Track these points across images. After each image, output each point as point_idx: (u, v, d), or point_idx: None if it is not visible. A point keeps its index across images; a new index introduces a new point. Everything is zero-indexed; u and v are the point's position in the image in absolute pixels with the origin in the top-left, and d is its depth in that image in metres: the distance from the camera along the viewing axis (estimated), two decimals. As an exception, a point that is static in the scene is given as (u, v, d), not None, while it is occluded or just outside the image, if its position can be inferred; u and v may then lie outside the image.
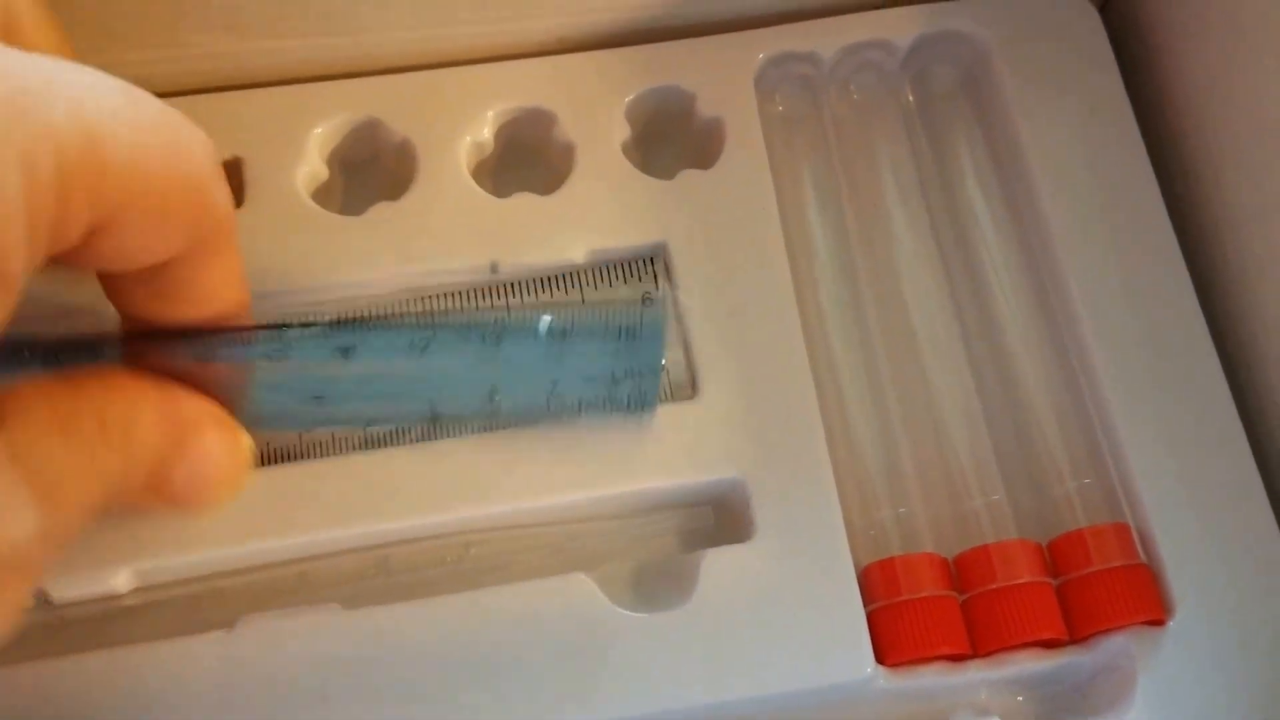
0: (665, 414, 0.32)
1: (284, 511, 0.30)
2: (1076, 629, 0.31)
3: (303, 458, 0.31)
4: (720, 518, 0.32)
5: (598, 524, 0.32)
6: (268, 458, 0.31)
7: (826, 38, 0.36)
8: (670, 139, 0.37)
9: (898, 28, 0.37)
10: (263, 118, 0.34)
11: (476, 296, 0.33)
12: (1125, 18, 0.38)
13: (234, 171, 0.34)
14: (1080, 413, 0.33)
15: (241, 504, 0.30)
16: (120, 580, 0.30)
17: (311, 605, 0.30)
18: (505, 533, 0.31)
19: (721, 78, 0.36)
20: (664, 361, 0.32)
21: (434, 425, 0.31)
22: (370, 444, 0.31)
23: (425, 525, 0.31)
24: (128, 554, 0.30)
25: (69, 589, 0.30)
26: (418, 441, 0.31)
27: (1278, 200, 0.33)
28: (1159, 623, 0.31)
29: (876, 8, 0.37)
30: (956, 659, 0.31)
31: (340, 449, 0.31)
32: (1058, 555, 0.32)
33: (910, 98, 0.37)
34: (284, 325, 0.27)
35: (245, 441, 0.27)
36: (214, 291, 0.26)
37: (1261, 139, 0.33)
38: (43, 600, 0.30)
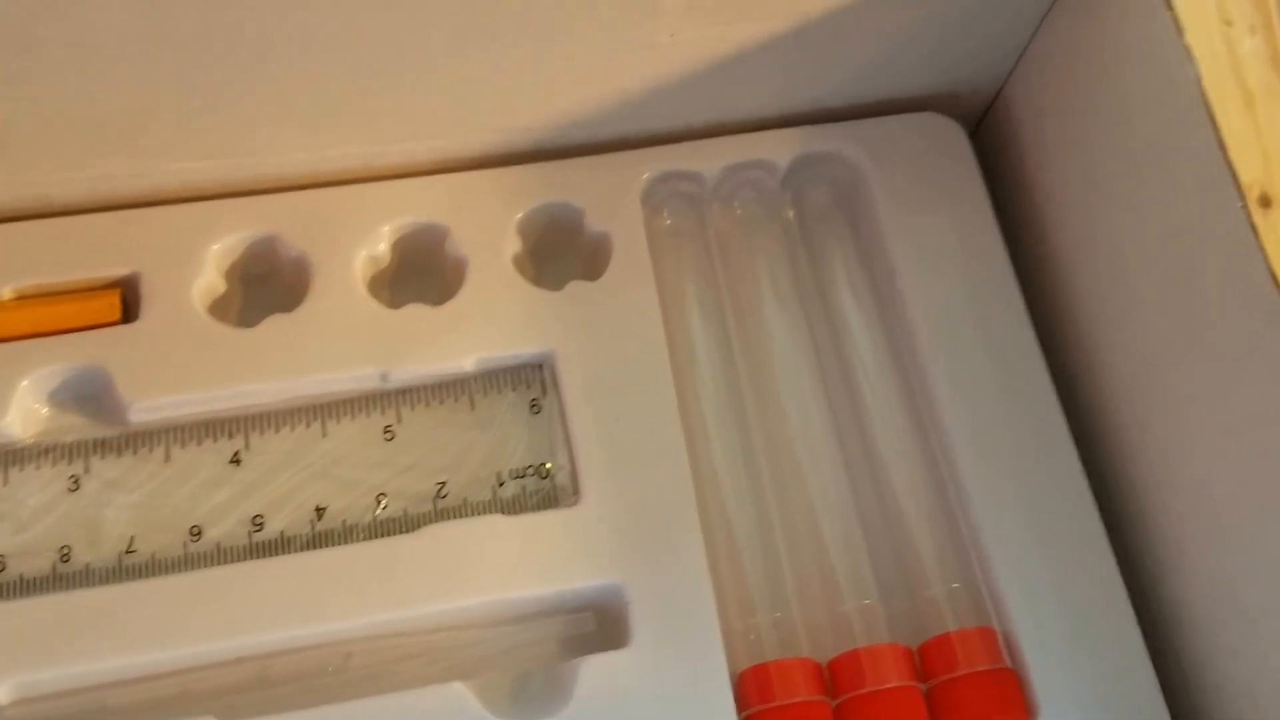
0: (547, 519, 0.32)
1: (164, 623, 0.30)
2: (944, 732, 0.31)
3: (182, 570, 0.31)
4: (601, 623, 0.32)
5: (479, 631, 0.31)
6: (149, 569, 0.31)
7: (710, 157, 0.37)
8: (560, 252, 0.37)
9: (777, 148, 0.37)
10: (161, 234, 0.34)
11: (367, 406, 0.33)
12: (994, 139, 0.39)
13: (131, 286, 0.34)
14: (949, 519, 0.33)
15: (123, 616, 0.30)
16: (0, 693, 0.29)
17: (189, 718, 0.29)
18: (386, 641, 0.31)
19: (609, 194, 0.36)
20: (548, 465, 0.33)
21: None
22: (252, 554, 0.31)
23: (307, 635, 0.30)
24: (7, 666, 0.29)
25: (-53, 702, 0.29)
26: (300, 550, 0.31)
27: (1129, 310, 0.33)
28: (1023, 726, 0.30)
29: (757, 130, 0.37)
30: (829, 762, 0.30)
31: (222, 559, 0.31)
32: (927, 659, 0.32)
33: (790, 214, 0.38)
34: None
35: None
36: None
37: (1117, 252, 0.33)
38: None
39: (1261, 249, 0.28)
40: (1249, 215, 0.28)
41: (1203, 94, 0.29)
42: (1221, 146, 0.28)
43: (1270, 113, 0.46)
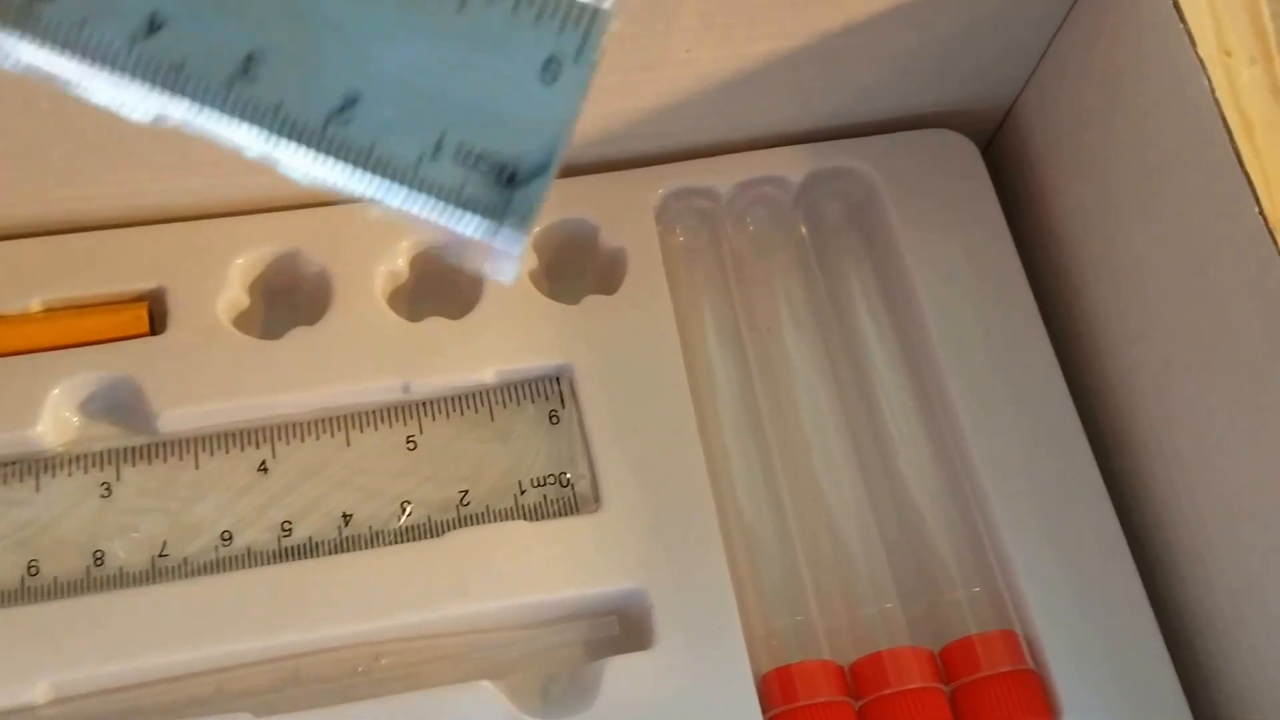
0: (570, 525, 0.32)
1: (197, 624, 0.30)
2: (968, 732, 0.30)
3: (214, 572, 0.31)
4: (624, 626, 0.32)
5: (504, 634, 0.31)
6: (181, 572, 0.31)
7: (723, 174, 0.37)
8: (576, 267, 0.37)
9: (790, 165, 0.37)
10: (187, 249, 0.35)
11: (390, 417, 0.33)
12: (1007, 155, 0.40)
13: (158, 300, 0.34)
14: (969, 524, 0.33)
15: (157, 617, 0.30)
16: (38, 691, 0.29)
17: (222, 715, 0.29)
18: (415, 642, 0.31)
19: (624, 211, 0.36)
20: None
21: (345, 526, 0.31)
22: (282, 557, 0.31)
23: (336, 636, 0.30)
24: (43, 666, 0.29)
25: (-14, 701, 0.29)
26: (330, 554, 0.31)
27: (1147, 321, 0.34)
28: (1046, 725, 0.30)
29: (770, 146, 0.38)
30: (852, 762, 0.30)
31: (253, 562, 0.31)
32: (949, 661, 0.31)
33: (803, 229, 0.38)
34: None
35: None
36: None
37: (1134, 264, 0.34)
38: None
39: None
40: (1267, 223, 0.28)
41: (1217, 104, 0.29)
42: (1237, 155, 0.29)
43: (1270, 141, 0.47)
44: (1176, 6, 0.30)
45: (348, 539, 0.32)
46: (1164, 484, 0.33)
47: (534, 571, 0.31)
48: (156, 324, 0.34)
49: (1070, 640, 0.31)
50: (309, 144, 0.20)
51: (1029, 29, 0.36)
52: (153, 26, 0.19)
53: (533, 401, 0.34)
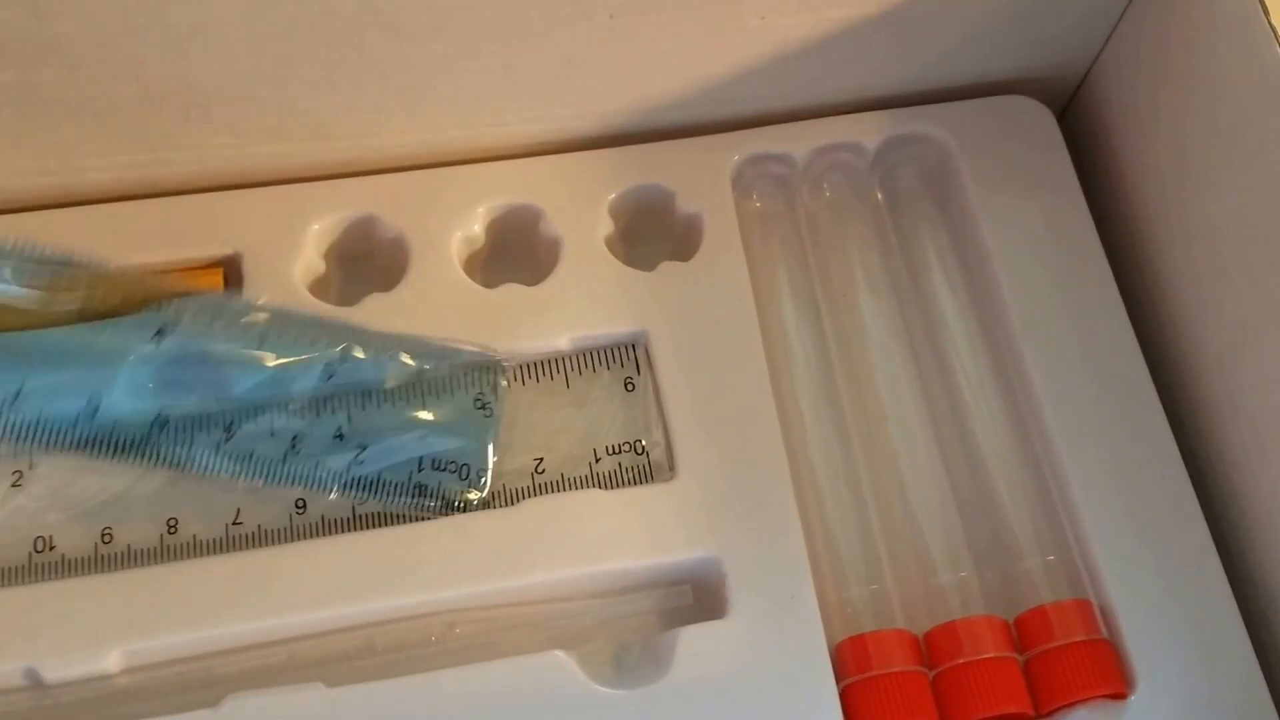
0: (645, 494, 0.32)
1: (273, 592, 0.30)
2: (1042, 703, 0.30)
3: (289, 540, 0.31)
4: (698, 595, 0.32)
5: (579, 603, 0.31)
6: (256, 540, 0.31)
7: (799, 139, 0.37)
8: (652, 233, 0.37)
9: (866, 131, 0.37)
10: (263, 215, 0.35)
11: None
12: (1082, 121, 0.39)
13: (233, 265, 0.34)
14: (1043, 493, 0.33)
15: (231, 584, 0.30)
16: (111, 660, 0.29)
17: (296, 684, 0.29)
18: (489, 611, 0.31)
19: (700, 176, 0.36)
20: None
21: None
22: (358, 525, 0.31)
23: (410, 605, 0.30)
24: (119, 634, 0.30)
25: (60, 669, 0.29)
26: (402, 523, 0.31)
27: (1222, 287, 0.33)
28: (1121, 696, 0.30)
29: (845, 113, 0.37)
30: (927, 732, 0.30)
31: (327, 530, 0.31)
32: (1023, 630, 0.31)
33: (879, 195, 0.38)
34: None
35: None
36: None
37: (1209, 230, 0.33)
38: (35, 681, 0.29)
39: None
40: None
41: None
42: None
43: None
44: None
45: (424, 506, 0.32)
46: (1239, 452, 0.33)
47: (608, 540, 0.31)
48: (234, 290, 0.34)
49: (1145, 610, 0.31)
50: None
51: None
52: None
53: (608, 368, 0.34)
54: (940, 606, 0.32)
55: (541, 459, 0.33)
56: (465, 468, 0.32)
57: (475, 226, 0.36)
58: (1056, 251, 0.36)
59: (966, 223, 0.36)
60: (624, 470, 0.33)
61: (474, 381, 0.33)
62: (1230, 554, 0.32)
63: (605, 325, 0.34)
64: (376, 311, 0.34)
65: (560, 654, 0.30)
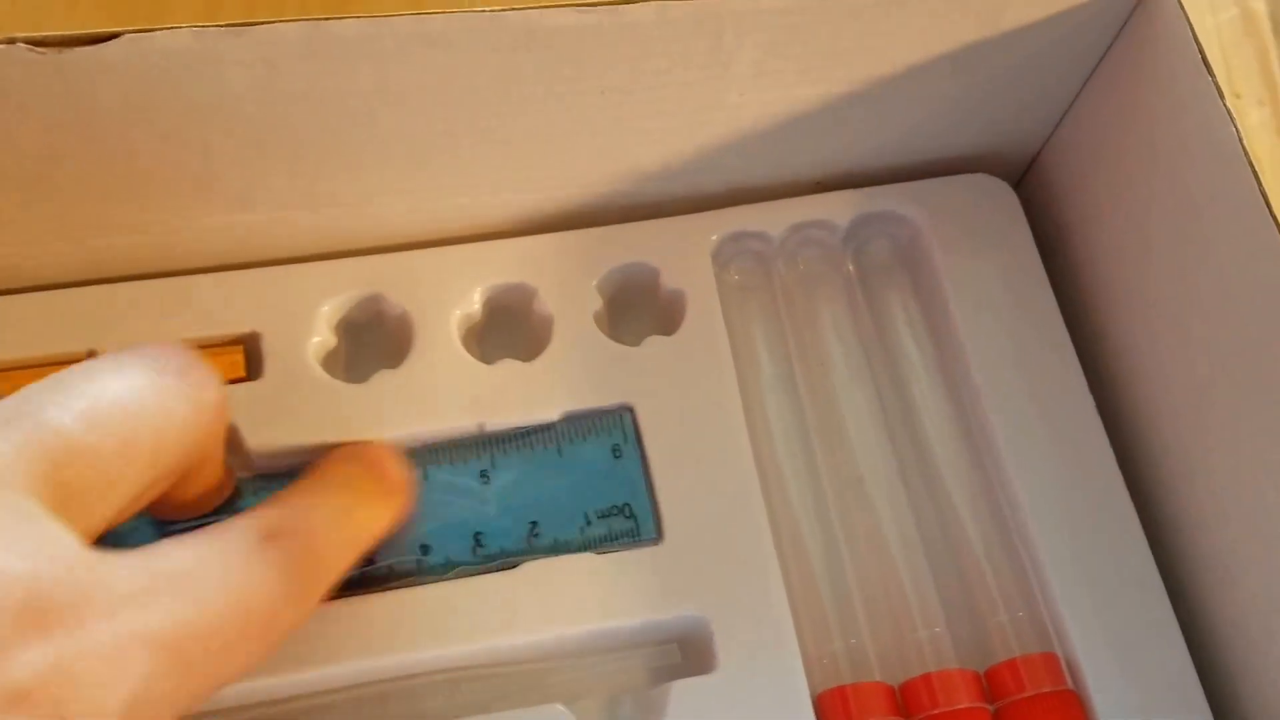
0: (634, 556, 0.33)
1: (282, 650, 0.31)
2: (1012, 751, 0.31)
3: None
4: (686, 652, 0.33)
5: (573, 661, 0.32)
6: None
7: (776, 218, 0.38)
8: (638, 309, 0.38)
9: (838, 209, 0.38)
10: (278, 294, 0.35)
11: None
12: (1040, 191, 0.40)
13: (254, 344, 0.35)
14: (1011, 550, 0.34)
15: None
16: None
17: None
18: (490, 669, 0.32)
19: (683, 254, 0.37)
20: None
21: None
22: (363, 586, 0.32)
23: (419, 662, 0.31)
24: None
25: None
26: (406, 585, 0.32)
27: (1181, 352, 0.34)
28: (1086, 744, 0.31)
29: (817, 183, 0.39)
30: (904, 779, 0.31)
31: (338, 593, 0.32)
32: (994, 682, 0.32)
33: (851, 268, 0.39)
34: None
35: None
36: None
37: (1167, 299, 0.34)
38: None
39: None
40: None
41: (1245, 153, 0.30)
42: (1264, 198, 0.29)
43: (1277, 179, 0.47)
44: (1203, 58, 0.31)
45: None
46: (1195, 513, 0.34)
47: (601, 601, 0.32)
48: (252, 366, 0.35)
49: (1107, 662, 0.32)
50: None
51: (1059, 78, 0.36)
52: None
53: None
54: (915, 659, 0.33)
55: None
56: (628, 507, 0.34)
57: (474, 304, 0.37)
58: (1018, 319, 0.37)
59: (934, 293, 0.38)
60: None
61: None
62: (1186, 608, 0.33)
63: (595, 398, 0.35)
64: (385, 389, 0.35)
65: (560, 707, 0.31)
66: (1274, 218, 0.29)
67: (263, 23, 0.29)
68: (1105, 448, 0.35)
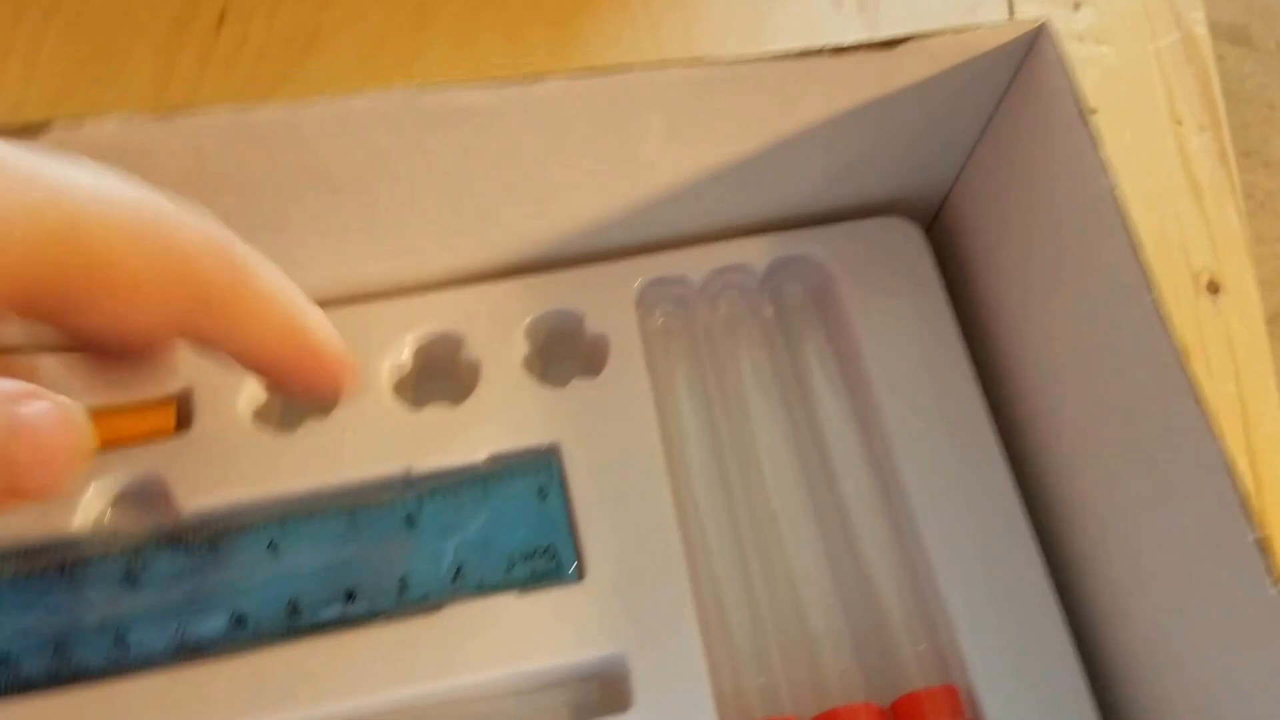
0: (555, 596, 0.34)
1: (212, 705, 0.32)
2: (914, 782, 0.32)
3: (227, 655, 0.33)
4: (605, 690, 0.34)
5: (495, 702, 0.33)
6: (198, 653, 0.33)
7: (696, 263, 0.39)
8: (564, 353, 0.39)
9: (755, 254, 0.39)
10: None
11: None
12: (947, 234, 0.41)
13: (185, 399, 0.36)
14: (916, 585, 0.35)
15: (173, 699, 0.32)
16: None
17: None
18: (414, 712, 0.33)
19: (606, 300, 0.38)
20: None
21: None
22: (293, 635, 0.33)
23: (345, 710, 0.32)
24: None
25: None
26: (333, 632, 0.33)
27: (1063, 392, 0.35)
28: (984, 774, 0.32)
29: (737, 232, 0.40)
30: (810, 812, 0.32)
31: (263, 642, 0.33)
32: (899, 714, 0.33)
33: (769, 310, 0.40)
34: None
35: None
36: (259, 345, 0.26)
37: (1050, 342, 0.35)
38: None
39: (1169, 335, 0.29)
40: (1157, 307, 0.30)
41: (1117, 201, 0.31)
42: (1134, 247, 0.30)
43: (1218, 204, 0.48)
44: (1082, 113, 0.32)
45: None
46: (1086, 549, 0.35)
47: (523, 642, 0.33)
48: (183, 420, 0.36)
49: (1005, 695, 0.33)
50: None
51: (960, 129, 0.37)
52: None
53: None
54: (824, 693, 0.34)
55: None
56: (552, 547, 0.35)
57: (404, 354, 0.38)
58: (924, 354, 0.38)
59: (845, 331, 0.39)
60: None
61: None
62: (1082, 639, 0.34)
63: (521, 440, 0.36)
64: (315, 437, 0.36)
65: (482, 748, 0.32)
66: (1140, 264, 0.30)
67: (186, 114, 0.30)
68: (1009, 485, 0.36)
